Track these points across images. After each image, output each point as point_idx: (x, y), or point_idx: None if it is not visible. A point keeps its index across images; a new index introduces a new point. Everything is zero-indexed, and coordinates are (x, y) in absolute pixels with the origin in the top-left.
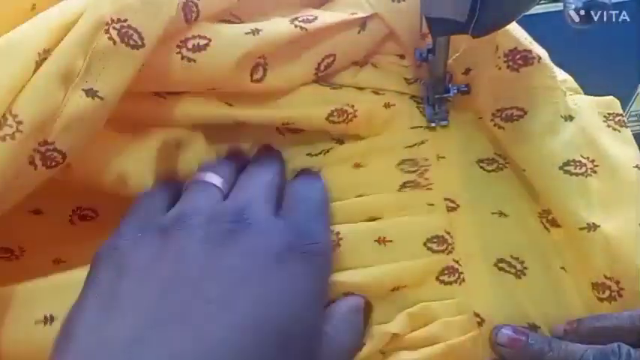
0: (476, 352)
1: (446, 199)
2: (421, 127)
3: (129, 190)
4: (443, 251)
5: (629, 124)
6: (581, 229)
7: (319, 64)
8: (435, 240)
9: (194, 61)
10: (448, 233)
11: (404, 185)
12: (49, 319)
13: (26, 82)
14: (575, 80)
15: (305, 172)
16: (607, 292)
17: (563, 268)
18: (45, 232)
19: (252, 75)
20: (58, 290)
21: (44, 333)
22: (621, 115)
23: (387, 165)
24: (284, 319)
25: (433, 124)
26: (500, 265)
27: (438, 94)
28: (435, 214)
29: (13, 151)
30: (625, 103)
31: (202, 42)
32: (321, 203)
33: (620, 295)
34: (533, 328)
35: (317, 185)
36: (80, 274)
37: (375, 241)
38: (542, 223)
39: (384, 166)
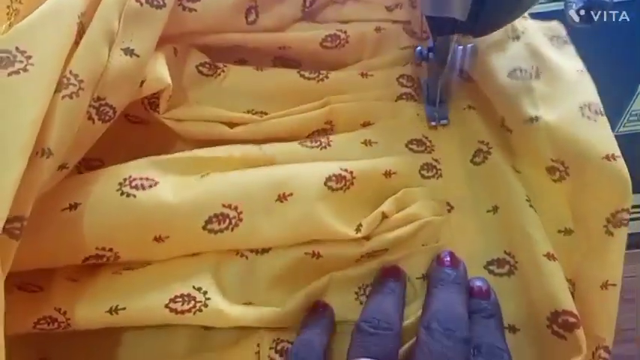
0: (444, 233)
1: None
2: (410, 47)
3: (144, 91)
4: (423, 151)
5: (628, 124)
6: (525, 121)
7: (305, 0)
8: (415, 142)
9: (195, 10)
10: (426, 137)
11: (400, 97)
12: (114, 310)
13: (72, 44)
14: None
15: (491, 347)
16: (557, 174)
17: (529, 202)
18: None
19: (247, 18)
20: (129, 286)
21: (111, 318)
22: (564, 37)
23: (388, 75)
24: None
25: (433, 123)
26: (476, 159)
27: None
28: (417, 123)
29: (79, 107)
30: (625, 103)
31: None
32: None
33: (568, 174)
34: (510, 258)
35: None
36: (145, 271)
37: (362, 142)
38: (515, 168)
39: (385, 77)
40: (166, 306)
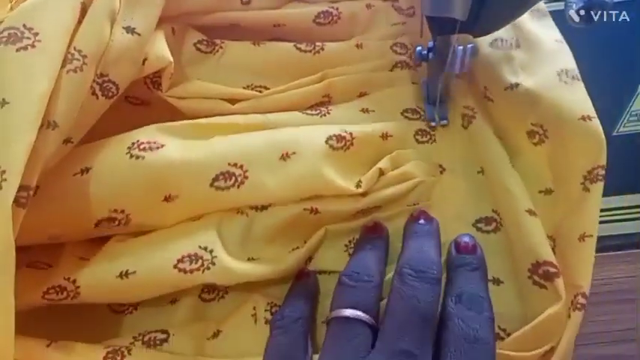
0: (435, 193)
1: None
2: (399, 23)
3: (146, 70)
4: (417, 119)
5: (628, 124)
6: (506, 89)
7: None
8: (410, 110)
9: None
10: (420, 107)
11: (396, 65)
12: (124, 274)
13: (75, 23)
14: None
15: (472, 296)
16: (537, 137)
17: (511, 163)
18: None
19: None
20: (137, 249)
21: (121, 283)
22: (543, 10)
23: (383, 44)
24: None
25: (434, 124)
26: (464, 123)
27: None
28: (412, 92)
29: (83, 82)
30: (625, 102)
31: None
32: (488, 347)
33: (547, 137)
34: (497, 216)
35: (485, 315)
36: (152, 236)
37: (360, 110)
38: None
39: (379, 46)
40: (175, 266)
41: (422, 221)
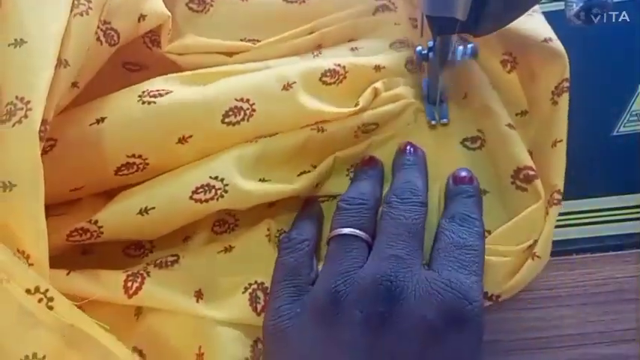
0: (424, 115)
1: (410, 19)
2: None
3: (142, 28)
4: (406, 48)
5: (628, 124)
6: None
7: None
8: (397, 42)
9: None
10: (407, 38)
11: (377, 9)
12: (144, 210)
13: None
14: (576, 80)
15: (465, 216)
16: (508, 65)
17: (491, 85)
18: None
19: None
20: (153, 186)
21: (142, 220)
22: None
23: None
24: None
25: (434, 123)
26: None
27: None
28: (397, 30)
29: (89, 25)
30: (625, 103)
31: None
32: (477, 253)
33: (517, 62)
34: (481, 134)
35: (475, 229)
36: (161, 177)
37: (350, 49)
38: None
39: None
40: (191, 197)
41: (409, 152)
